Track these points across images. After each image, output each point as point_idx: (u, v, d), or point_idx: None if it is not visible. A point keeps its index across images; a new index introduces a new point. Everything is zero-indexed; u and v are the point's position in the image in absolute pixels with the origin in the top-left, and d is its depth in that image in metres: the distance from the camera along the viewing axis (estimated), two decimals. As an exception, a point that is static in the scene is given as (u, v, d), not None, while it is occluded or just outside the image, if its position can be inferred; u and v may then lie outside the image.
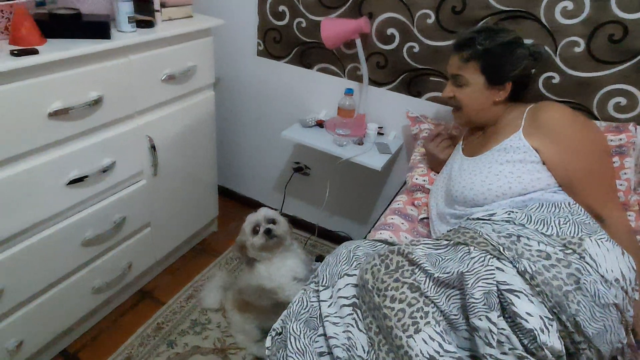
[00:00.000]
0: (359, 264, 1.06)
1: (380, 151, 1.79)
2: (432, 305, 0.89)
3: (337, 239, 2.30)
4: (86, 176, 1.39)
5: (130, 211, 1.63)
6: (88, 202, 1.46)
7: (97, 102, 1.35)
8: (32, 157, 1.25)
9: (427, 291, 0.90)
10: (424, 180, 1.50)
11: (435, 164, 1.52)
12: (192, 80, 1.73)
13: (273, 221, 1.54)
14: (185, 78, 1.69)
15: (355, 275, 1.04)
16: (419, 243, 0.98)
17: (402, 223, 1.39)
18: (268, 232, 1.48)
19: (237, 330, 1.70)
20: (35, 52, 1.18)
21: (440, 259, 0.95)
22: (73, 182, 1.36)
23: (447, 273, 0.89)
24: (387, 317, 0.88)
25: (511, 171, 1.13)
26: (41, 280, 1.38)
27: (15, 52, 1.15)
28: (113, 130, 1.46)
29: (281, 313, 1.64)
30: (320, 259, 2.15)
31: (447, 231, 1.06)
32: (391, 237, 1.32)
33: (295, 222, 2.29)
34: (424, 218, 1.41)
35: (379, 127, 1.86)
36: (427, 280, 0.92)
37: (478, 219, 1.05)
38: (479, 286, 0.85)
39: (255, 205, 2.47)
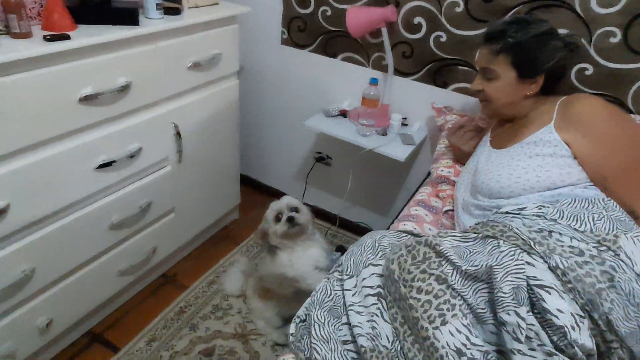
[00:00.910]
0: (384, 254, 1.06)
1: (404, 142, 1.78)
2: (459, 298, 0.88)
3: (358, 229, 2.30)
4: (114, 161, 1.41)
5: (155, 196, 1.65)
6: (115, 186, 1.49)
7: (125, 88, 1.36)
8: (62, 141, 1.28)
9: (454, 284, 0.89)
10: (449, 172, 1.48)
11: (461, 156, 1.49)
12: (217, 68, 1.74)
13: (296, 209, 1.54)
14: (210, 66, 1.70)
15: (380, 265, 1.03)
16: (447, 235, 0.97)
17: (426, 214, 1.38)
18: (290, 220, 1.49)
19: (257, 316, 1.72)
20: (67, 37, 1.19)
21: (468, 251, 0.94)
22: (101, 166, 1.38)
23: (476, 266, 0.88)
24: (413, 307, 0.87)
25: (540, 165, 1.11)
26: (70, 261, 1.42)
27: (48, 37, 1.17)
28: (140, 117, 1.48)
29: (302, 301, 1.67)
30: (340, 249, 2.15)
31: (475, 224, 1.04)
32: (415, 229, 1.31)
33: (316, 212, 2.29)
34: (448, 210, 1.40)
35: (402, 118, 1.84)
36: (454, 272, 0.91)
37: (507, 212, 1.03)
38: (508, 280, 0.84)
39: (276, 194, 2.48)
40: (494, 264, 0.86)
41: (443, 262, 0.92)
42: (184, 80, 1.61)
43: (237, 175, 2.15)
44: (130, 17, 1.37)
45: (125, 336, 1.66)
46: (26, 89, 1.12)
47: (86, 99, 1.26)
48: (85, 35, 1.23)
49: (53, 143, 1.25)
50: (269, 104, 2.27)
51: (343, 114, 1.94)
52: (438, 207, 1.43)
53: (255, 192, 2.54)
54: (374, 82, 1.72)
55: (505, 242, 0.91)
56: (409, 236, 1.15)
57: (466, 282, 0.91)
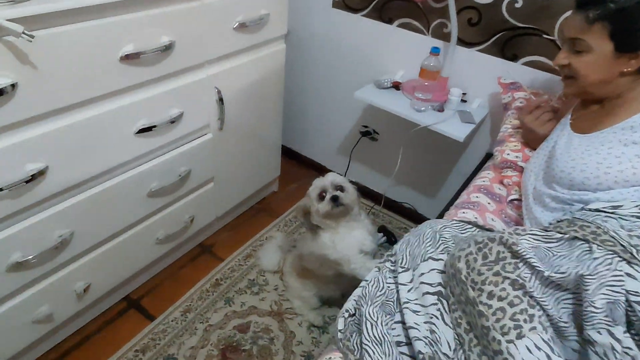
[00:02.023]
0: (446, 247, 0.94)
1: (463, 120, 1.61)
2: (539, 307, 0.76)
3: (402, 210, 2.18)
4: (154, 126, 1.34)
5: (195, 165, 1.58)
6: (155, 152, 1.42)
7: (168, 47, 1.27)
8: (102, 103, 1.21)
9: (533, 291, 0.76)
10: (517, 157, 1.32)
11: (532, 140, 1.32)
12: (263, 31, 1.62)
13: (341, 188, 1.43)
14: (257, 27, 1.57)
15: (441, 259, 0.92)
16: (524, 233, 0.84)
17: (489, 203, 1.24)
18: (335, 199, 1.38)
19: (294, 295, 1.66)
20: (108, -11, 1.10)
21: (551, 254, 0.81)
22: (142, 131, 1.31)
23: (562, 273, 0.75)
24: (483, 315, 0.76)
25: (638, 154, 0.94)
26: (108, 227, 1.38)
27: (89, -12, 1.08)
28: (182, 80, 1.39)
29: (342, 283, 1.59)
30: (382, 230, 2.04)
31: (558, 221, 0.90)
32: (476, 218, 1.18)
33: (359, 190, 2.18)
34: (514, 199, 1.25)
35: (462, 93, 1.67)
36: (533, 277, 0.78)
37: (598, 210, 0.88)
38: (602, 294, 0.71)
39: (317, 168, 2.39)
40: (586, 273, 0.73)
41: (520, 265, 0.79)
42: (229, 42, 1.50)
43: (278, 146, 2.06)
44: (175, -31, 1.26)
45: (161, 305, 1.63)
46: (65, 44, 1.05)
47: (127, 58, 1.18)
48: (128, -12, 1.14)
49: (93, 104, 1.18)
50: (316, 71, 2.13)
51: (396, 86, 1.78)
52: (502, 195, 1.28)
53: (296, 164, 2.45)
54: (435, 51, 1.55)
55: (600, 248, 0.77)
56: (474, 228, 1.02)
57: (547, 289, 0.78)
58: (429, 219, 2.11)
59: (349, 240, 1.41)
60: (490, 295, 0.77)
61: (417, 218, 2.14)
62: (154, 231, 1.57)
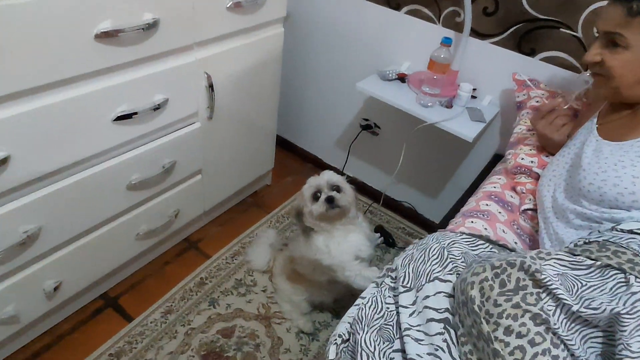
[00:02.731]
0: (455, 266, 0.83)
1: (472, 118, 1.50)
2: (563, 347, 0.65)
3: (401, 210, 2.07)
4: (135, 113, 1.21)
5: (181, 156, 1.46)
6: (136, 142, 1.30)
7: (152, 26, 1.13)
8: (76, 85, 1.08)
9: (558, 327, 0.65)
10: (532, 162, 1.21)
11: (548, 145, 1.21)
12: (260, 12, 1.48)
13: (337, 188, 1.31)
14: (253, 7, 1.44)
15: (449, 281, 0.81)
16: (549, 257, 0.72)
17: (500, 212, 1.13)
18: (330, 200, 1.26)
19: (283, 299, 1.55)
20: (82, -44, 0.96)
21: (580, 284, 0.70)
22: (121, 118, 1.18)
23: (594, 309, 0.64)
24: (499, 355, 0.65)
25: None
26: (82, 222, 1.26)
27: (60, -46, 0.94)
28: (168, 63, 1.26)
29: (335, 290, 1.49)
30: (380, 230, 1.93)
31: (585, 242, 0.79)
32: (486, 229, 1.07)
33: (357, 186, 2.07)
34: (528, 209, 1.14)
35: (472, 89, 1.55)
36: (558, 311, 0.67)
37: (632, 232, 0.77)
38: (640, 336, 0.60)
39: (314, 161, 2.27)
40: (623, 310, 0.62)
41: (543, 296, 0.68)
42: (222, 23, 1.37)
43: (272, 137, 1.93)
44: (161, -63, 1.12)
45: (140, 304, 1.52)
46: (33, 18, 0.91)
47: (104, 36, 1.05)
48: (106, -44, 1.00)
49: (63, 87, 1.05)
50: (315, 59, 2.00)
51: (401, 78, 1.66)
52: (514, 203, 1.17)
53: (291, 157, 2.33)
54: (447, 42, 1.43)
55: (639, 280, 0.66)
56: (486, 244, 0.91)
57: (572, 325, 0.67)
58: (428, 220, 2.04)
59: (345, 245, 1.30)
60: (508, 331, 0.66)
61: (416, 218, 2.04)
62: (134, 226, 1.45)
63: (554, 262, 0.72)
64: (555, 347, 0.65)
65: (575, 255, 0.73)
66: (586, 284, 0.69)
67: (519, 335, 0.66)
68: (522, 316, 0.66)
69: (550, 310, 0.67)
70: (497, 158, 1.60)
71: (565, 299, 0.66)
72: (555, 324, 0.66)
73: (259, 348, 1.45)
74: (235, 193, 1.90)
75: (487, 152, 1.70)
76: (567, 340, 0.65)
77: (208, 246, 1.78)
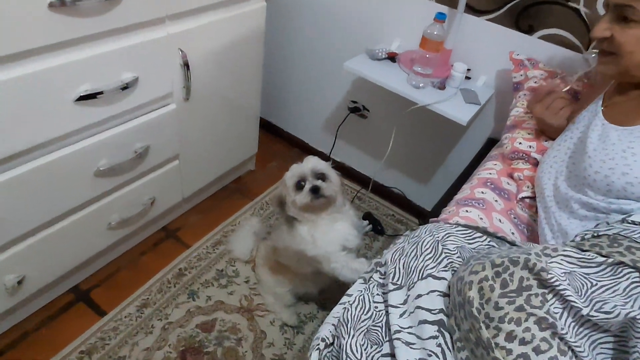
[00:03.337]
0: (451, 262, 0.75)
1: (467, 100, 1.41)
2: (571, 354, 0.58)
3: (390, 195, 1.99)
4: (100, 92, 1.10)
5: (155, 140, 1.36)
6: (103, 125, 1.19)
7: (115, -5, 1.02)
8: (31, 60, 0.96)
9: (566, 332, 0.58)
10: (530, 147, 1.13)
11: (548, 129, 1.13)
12: (240, -17, 1.37)
13: (322, 176, 1.22)
14: (232, -22, 1.32)
15: (444, 279, 0.73)
16: (556, 253, 0.65)
17: (496, 200, 1.06)
18: (315, 190, 1.17)
19: (266, 291, 1.47)
20: None
21: (589, 283, 0.63)
22: (84, 98, 1.07)
23: (606, 313, 0.57)
24: (500, 364, 0.58)
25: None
26: (44, 212, 1.16)
27: None
28: (136, 37, 1.15)
29: (320, 281, 1.41)
30: (368, 217, 1.86)
31: (594, 236, 0.71)
32: (481, 219, 0.99)
33: (345, 172, 1.98)
34: (525, 197, 1.07)
35: (467, 69, 1.46)
36: (565, 314, 0.60)
37: (645, 225, 0.70)
38: (659, 344, 0.53)
39: (300, 145, 2.17)
40: (638, 315, 0.55)
41: (549, 297, 0.61)
42: (197, -5, 1.25)
43: (256, 119, 1.83)
44: None
45: (114, 297, 1.43)
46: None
47: (60, 5, 0.93)
48: None
49: (16, 62, 0.94)
50: (301, 36, 1.88)
51: (391, 57, 1.56)
52: (511, 191, 1.10)
53: (276, 141, 2.23)
54: (441, 17, 1.33)
55: (656, 280, 0.59)
56: (484, 237, 0.83)
57: (581, 329, 0.60)
58: (418, 206, 1.97)
59: (331, 235, 1.22)
60: (510, 337, 0.59)
61: (406, 205, 1.97)
62: (105, 215, 1.35)
63: (561, 259, 0.64)
64: (563, 355, 0.58)
65: (583, 250, 0.66)
66: (596, 284, 0.62)
67: (523, 342, 0.58)
68: (526, 320, 0.59)
69: (557, 314, 0.60)
70: (491, 143, 1.53)
71: (574, 302, 0.59)
72: (562, 329, 0.59)
73: (241, 342, 1.38)
74: (217, 179, 1.81)
75: (481, 137, 1.62)
76: (575, 346, 0.59)
77: (187, 235, 1.68)
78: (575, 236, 0.74)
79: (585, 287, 0.62)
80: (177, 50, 1.27)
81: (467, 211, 1.02)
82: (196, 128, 1.51)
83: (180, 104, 1.39)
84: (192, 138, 1.52)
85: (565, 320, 0.60)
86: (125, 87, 1.15)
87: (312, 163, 1.21)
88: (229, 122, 1.66)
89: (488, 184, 1.10)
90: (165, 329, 1.37)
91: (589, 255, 0.65)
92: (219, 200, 1.86)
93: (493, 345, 0.59)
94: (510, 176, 1.14)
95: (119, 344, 1.32)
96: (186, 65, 1.31)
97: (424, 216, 1.92)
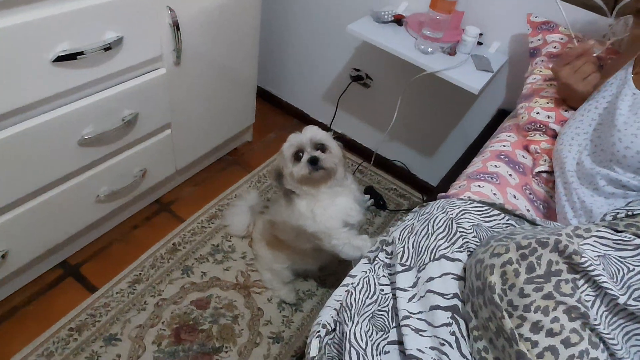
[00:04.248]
0: (467, 242, 0.68)
1: (478, 67, 1.32)
2: (603, 347, 0.52)
3: (392, 169, 1.92)
4: (80, 53, 1.00)
5: (144, 107, 1.27)
6: (86, 89, 1.10)
7: (94, -58, 0.91)
8: (1, 16, 0.86)
9: (598, 323, 0.52)
10: (549, 117, 1.05)
11: (571, 97, 1.04)
12: None
13: (322, 147, 1.14)
14: None
15: (458, 260, 0.66)
16: (589, 234, 0.58)
17: (510, 174, 0.98)
18: (313, 162, 1.09)
19: (264, 267, 1.41)
20: None
21: (626, 269, 0.56)
22: (61, 58, 0.98)
23: (646, 302, 0.51)
24: (524, 358, 0.52)
25: None
26: (25, 184, 1.08)
27: None
28: (120, -8, 1.04)
29: (320, 258, 1.35)
30: (370, 191, 1.79)
31: (627, 215, 0.64)
32: (495, 195, 0.92)
33: (347, 144, 1.90)
34: (542, 171, 0.99)
35: (479, 34, 1.36)
36: (598, 302, 0.54)
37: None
38: None
39: (299, 116, 2.08)
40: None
41: (580, 283, 0.54)
42: (187, -54, 1.14)
43: (253, 88, 1.73)
44: None
45: (105, 273, 1.38)
46: None
47: (30, -49, 0.83)
48: None
49: (-18, 16, 0.84)
50: (301, -1, 1.76)
51: (398, 20, 1.45)
52: (527, 165, 1.02)
53: (274, 111, 2.13)
54: (454, -26, 1.22)
55: None
56: (501, 215, 0.76)
57: (614, 319, 0.54)
58: (422, 181, 1.89)
59: (332, 210, 1.15)
60: (536, 328, 0.53)
61: (409, 179, 1.89)
62: (93, 187, 1.27)
63: (594, 241, 0.57)
64: (594, 348, 0.51)
65: (618, 231, 0.59)
66: (634, 269, 0.55)
67: (550, 333, 0.52)
68: (555, 309, 0.53)
69: (588, 302, 0.53)
70: (502, 114, 1.44)
71: (610, 289, 0.52)
72: (595, 319, 0.52)
73: (237, 320, 1.33)
74: (212, 150, 1.72)
75: (491, 108, 1.53)
76: (607, 338, 0.52)
77: (181, 208, 1.61)
78: (605, 215, 0.67)
79: (621, 273, 0.55)
80: (165, 9, 1.16)
81: (479, 186, 0.94)
82: (188, 95, 1.42)
83: (171, 69, 1.29)
84: (184, 106, 1.42)
85: (598, 309, 0.53)
86: (108, 48, 1.06)
87: (311, 133, 1.13)
88: (224, 90, 1.57)
89: (502, 156, 1.03)
90: (159, 305, 1.32)
91: (625, 237, 0.58)
92: (214, 172, 1.78)
93: (517, 336, 0.53)
94: (526, 149, 1.06)
95: (110, 320, 1.27)
96: (176, 26, 1.20)
97: (428, 191, 1.85)
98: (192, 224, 1.57)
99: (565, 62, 1.01)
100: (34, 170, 1.08)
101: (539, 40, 1.22)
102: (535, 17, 1.24)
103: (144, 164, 1.40)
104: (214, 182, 1.74)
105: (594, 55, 1.02)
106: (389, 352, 0.63)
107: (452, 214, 0.72)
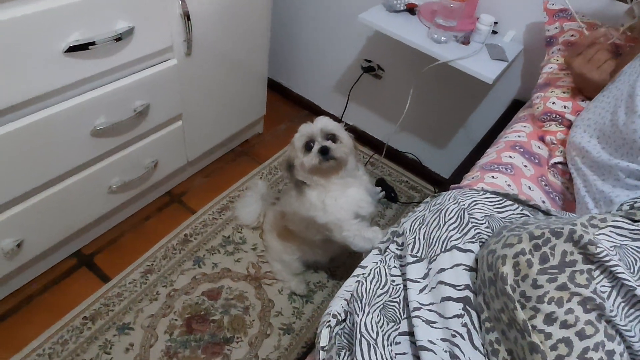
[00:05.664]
0: (478, 232, 0.67)
1: (493, 56, 1.29)
2: (619, 339, 0.51)
3: (404, 161, 1.90)
4: (92, 43, 1.01)
5: (155, 98, 1.27)
6: (98, 79, 1.10)
7: None
8: (12, 4, 0.87)
9: (615, 314, 0.51)
10: (565, 107, 1.02)
11: (586, 87, 1.02)
12: None
13: (333, 137, 1.13)
14: None
15: (470, 251, 0.65)
16: (605, 224, 0.56)
17: (525, 165, 0.96)
18: (324, 151, 1.09)
19: (274, 258, 1.42)
20: None
21: (644, 259, 0.54)
22: (74, 49, 0.98)
23: (666, 294, 0.49)
24: (537, 350, 0.51)
25: None
26: (39, 174, 1.09)
27: None
28: (131, -18, 1.04)
29: (330, 250, 1.35)
30: (381, 183, 1.78)
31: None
32: (509, 186, 0.90)
33: (358, 135, 1.88)
34: (558, 162, 0.97)
35: (494, 22, 1.33)
36: (614, 293, 0.52)
37: None
38: None
39: (310, 107, 2.07)
40: None
41: (596, 274, 0.52)
42: None
43: (263, 79, 1.72)
44: None
45: (118, 263, 1.39)
46: None
47: (41, -59, 0.83)
48: None
49: (-4, 6, 0.85)
50: (312, -11, 1.75)
51: (411, 9, 1.43)
52: (542, 155, 1.00)
53: (285, 102, 2.12)
54: (468, -39, 1.19)
55: None
56: (515, 205, 0.75)
57: (631, 310, 0.53)
58: (433, 173, 1.87)
59: (342, 201, 1.14)
60: (550, 319, 0.51)
61: (421, 171, 1.87)
62: (105, 178, 1.28)
63: (610, 231, 0.56)
64: (610, 340, 0.50)
65: (635, 221, 0.57)
66: (652, 259, 0.54)
67: (565, 325, 0.51)
68: (569, 300, 0.51)
69: (604, 293, 0.52)
70: (517, 105, 1.41)
71: (627, 279, 0.51)
72: (611, 311, 0.51)
73: (248, 311, 1.33)
74: (223, 142, 1.73)
75: (505, 98, 1.51)
76: (624, 330, 0.51)
77: (193, 200, 1.62)
78: (622, 204, 0.65)
79: (638, 263, 0.54)
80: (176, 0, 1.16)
81: (493, 177, 0.92)
82: (199, 86, 1.42)
83: (182, 60, 1.29)
84: (195, 97, 1.42)
85: (614, 301, 0.52)
86: (119, 38, 1.06)
87: (322, 123, 1.12)
88: (234, 81, 1.56)
89: (517, 147, 1.01)
90: (171, 295, 1.33)
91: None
92: (225, 164, 1.78)
93: (530, 328, 0.52)
94: (542, 139, 1.03)
95: (123, 310, 1.28)
96: (187, 16, 1.20)
97: (440, 183, 1.83)
98: (203, 215, 1.58)
99: (578, 51, 0.98)
100: (48, 160, 1.09)
101: (556, 28, 1.19)
102: (552, 5, 1.21)
103: (155, 155, 1.41)
104: (224, 173, 1.74)
105: (611, 42, 1.00)
106: (399, 343, 0.63)
107: (464, 205, 0.70)
